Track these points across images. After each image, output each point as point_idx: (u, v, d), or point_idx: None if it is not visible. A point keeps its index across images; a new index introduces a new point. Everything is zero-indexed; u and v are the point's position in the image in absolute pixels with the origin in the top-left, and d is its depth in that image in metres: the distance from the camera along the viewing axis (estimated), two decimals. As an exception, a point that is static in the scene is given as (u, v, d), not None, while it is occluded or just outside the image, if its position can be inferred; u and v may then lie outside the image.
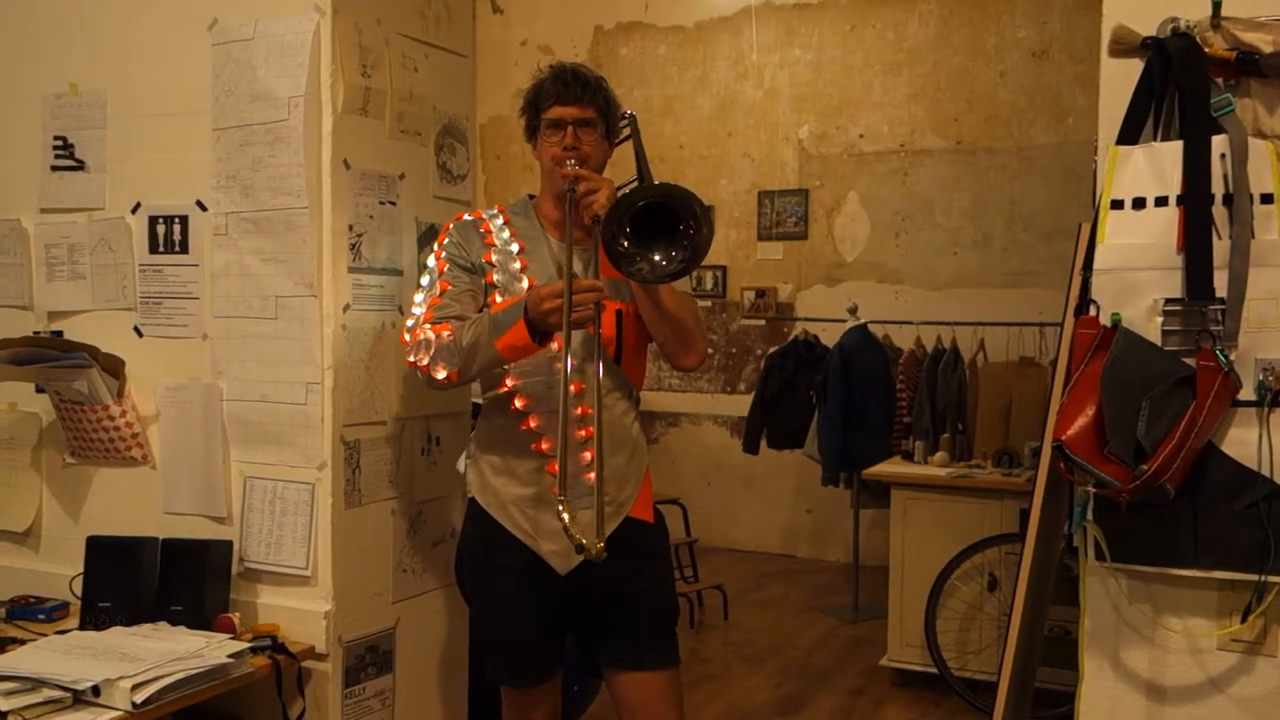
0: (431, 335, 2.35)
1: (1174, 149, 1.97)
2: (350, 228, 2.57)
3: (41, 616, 2.65)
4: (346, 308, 2.56)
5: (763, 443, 6.30)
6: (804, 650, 5.31)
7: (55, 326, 2.86)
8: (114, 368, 2.70)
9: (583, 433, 2.36)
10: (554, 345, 2.32)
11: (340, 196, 2.54)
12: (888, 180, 7.00)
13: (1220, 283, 1.93)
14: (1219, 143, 1.94)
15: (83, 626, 2.52)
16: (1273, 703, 1.98)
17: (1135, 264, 1.98)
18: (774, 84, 7.30)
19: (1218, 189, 1.93)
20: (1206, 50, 1.97)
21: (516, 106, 2.53)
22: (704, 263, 2.24)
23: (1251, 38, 1.96)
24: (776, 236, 7.33)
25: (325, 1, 2.49)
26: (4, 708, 2.00)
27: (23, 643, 2.39)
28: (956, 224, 6.83)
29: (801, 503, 7.23)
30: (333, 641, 2.53)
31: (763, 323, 7.41)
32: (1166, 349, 1.95)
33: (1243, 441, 1.93)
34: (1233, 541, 1.93)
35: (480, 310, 2.42)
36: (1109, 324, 1.98)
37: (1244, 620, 1.95)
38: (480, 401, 2.55)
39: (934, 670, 4.48)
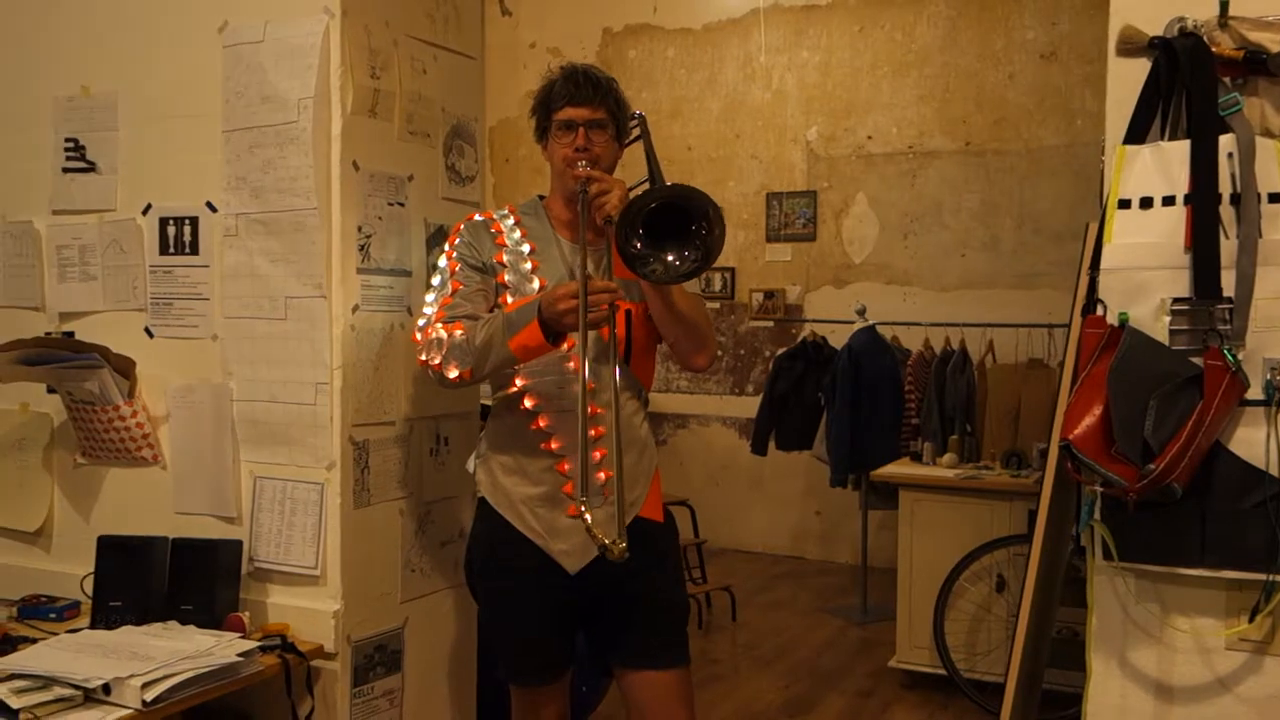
0: (444, 334, 2.36)
1: (1181, 148, 1.97)
2: (359, 229, 2.58)
3: (53, 616, 2.66)
4: (355, 308, 2.57)
5: (771, 444, 6.29)
6: (812, 651, 5.30)
7: (66, 327, 2.88)
8: (125, 368, 2.71)
9: (593, 432, 2.36)
10: (565, 345, 2.33)
11: (349, 198, 2.55)
12: (896, 182, 6.99)
13: (1228, 282, 1.93)
14: (1226, 142, 1.94)
15: (93, 625, 2.53)
16: (1281, 702, 1.98)
17: (1143, 263, 1.98)
18: (782, 86, 7.29)
19: (1225, 188, 1.93)
20: (1214, 49, 1.97)
21: (525, 109, 2.54)
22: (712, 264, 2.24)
23: (1259, 37, 1.96)
24: (785, 238, 7.33)
25: (335, 4, 2.50)
26: (16, 705, 2.01)
27: (34, 642, 2.40)
28: (965, 225, 6.81)
29: (810, 504, 7.22)
30: (341, 641, 2.54)
31: (771, 324, 7.40)
32: (1174, 348, 1.95)
33: (1250, 441, 1.93)
34: (1240, 541, 1.93)
35: (491, 310, 2.43)
36: (1116, 323, 1.98)
37: (1252, 619, 1.95)
38: (488, 403, 2.56)
39: (943, 672, 4.47)
